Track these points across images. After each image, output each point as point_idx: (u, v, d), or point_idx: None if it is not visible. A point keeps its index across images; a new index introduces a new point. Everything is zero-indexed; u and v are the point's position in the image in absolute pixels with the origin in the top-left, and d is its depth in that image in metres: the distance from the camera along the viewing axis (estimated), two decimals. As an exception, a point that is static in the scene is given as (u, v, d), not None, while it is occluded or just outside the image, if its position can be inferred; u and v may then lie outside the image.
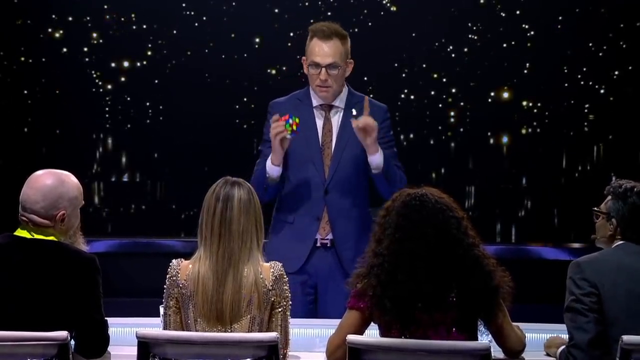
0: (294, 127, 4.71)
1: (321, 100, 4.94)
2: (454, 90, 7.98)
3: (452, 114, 7.99)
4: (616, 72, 7.90)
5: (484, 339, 3.73)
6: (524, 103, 7.98)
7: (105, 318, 3.69)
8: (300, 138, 4.81)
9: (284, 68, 7.80)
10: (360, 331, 3.61)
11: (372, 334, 3.70)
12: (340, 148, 4.90)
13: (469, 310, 3.54)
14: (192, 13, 7.95)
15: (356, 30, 7.81)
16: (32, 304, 3.57)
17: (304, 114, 4.86)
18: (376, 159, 4.80)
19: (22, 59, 7.93)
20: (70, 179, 3.75)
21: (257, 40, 7.94)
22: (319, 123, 4.94)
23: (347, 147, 4.89)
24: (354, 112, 4.86)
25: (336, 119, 4.94)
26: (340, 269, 4.82)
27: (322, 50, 4.84)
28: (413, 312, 3.51)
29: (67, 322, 3.56)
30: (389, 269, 3.54)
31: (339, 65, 4.86)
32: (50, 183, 3.70)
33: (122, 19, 7.93)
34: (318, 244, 4.88)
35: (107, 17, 7.89)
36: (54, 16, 7.92)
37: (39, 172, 3.76)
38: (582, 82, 7.93)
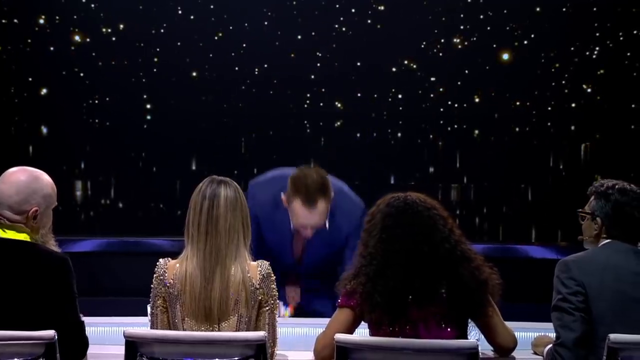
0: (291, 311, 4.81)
1: None
2: (441, 90, 7.98)
3: (439, 113, 8.00)
4: (603, 72, 7.92)
5: (474, 337, 3.73)
6: (511, 102, 7.99)
7: (82, 319, 3.63)
8: (273, 239, 4.77)
9: (272, 67, 7.78)
10: (350, 330, 3.62)
11: (360, 333, 3.70)
12: (313, 251, 4.84)
13: (458, 304, 3.55)
14: (180, 12, 7.94)
15: (344, 29, 7.81)
16: (4, 304, 3.53)
17: (278, 218, 4.77)
18: None
19: (8, 57, 7.92)
20: (44, 177, 3.75)
21: (245, 39, 7.94)
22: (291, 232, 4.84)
23: (320, 249, 4.81)
24: (327, 225, 4.75)
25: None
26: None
27: (308, 217, 4.66)
28: (403, 306, 3.52)
29: (42, 323, 3.49)
30: (377, 266, 3.55)
31: (325, 222, 4.71)
32: (25, 179, 3.69)
33: (109, 18, 7.92)
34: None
35: (94, 16, 7.89)
36: (40, 15, 7.90)
37: (13, 169, 3.75)
38: (569, 82, 7.94)
